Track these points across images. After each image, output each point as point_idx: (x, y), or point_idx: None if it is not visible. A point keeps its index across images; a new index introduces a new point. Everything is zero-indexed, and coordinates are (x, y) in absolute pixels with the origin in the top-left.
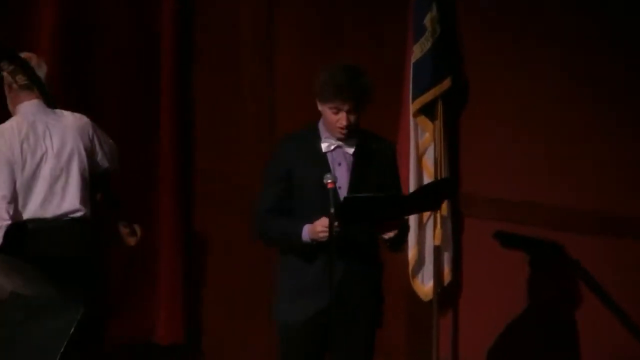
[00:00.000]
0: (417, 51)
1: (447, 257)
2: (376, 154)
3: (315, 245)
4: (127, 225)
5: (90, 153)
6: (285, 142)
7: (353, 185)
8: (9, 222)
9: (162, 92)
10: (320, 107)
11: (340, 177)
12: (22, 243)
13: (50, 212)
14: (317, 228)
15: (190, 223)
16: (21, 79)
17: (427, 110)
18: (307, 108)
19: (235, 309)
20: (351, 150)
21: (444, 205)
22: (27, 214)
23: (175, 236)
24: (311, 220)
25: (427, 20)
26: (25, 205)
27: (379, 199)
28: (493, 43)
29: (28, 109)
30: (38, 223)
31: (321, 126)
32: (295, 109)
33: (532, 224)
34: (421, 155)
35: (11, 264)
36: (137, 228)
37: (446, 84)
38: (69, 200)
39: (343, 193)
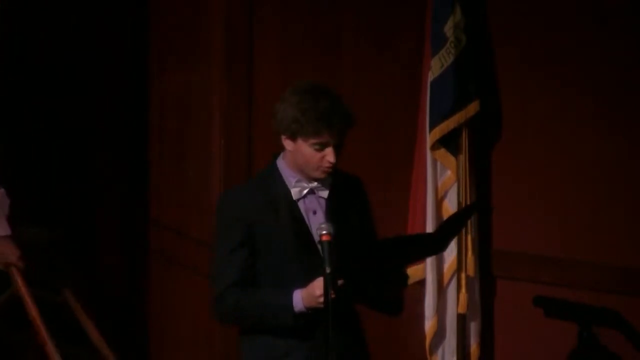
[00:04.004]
0: (435, 66)
1: (474, 328)
2: (350, 195)
3: (312, 316)
4: None
5: None
6: (236, 195)
7: (336, 237)
8: None
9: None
10: (291, 145)
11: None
12: None
13: None
14: (317, 291)
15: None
16: None
17: (448, 142)
18: None
19: None
20: (325, 194)
21: (471, 264)
22: None
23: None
24: (290, 288)
25: (448, 27)
26: None
27: (403, 241)
28: (536, 56)
29: None
30: None
31: (283, 169)
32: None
33: (581, 286)
34: (441, 200)
35: None
36: None
37: (473, 108)
38: None
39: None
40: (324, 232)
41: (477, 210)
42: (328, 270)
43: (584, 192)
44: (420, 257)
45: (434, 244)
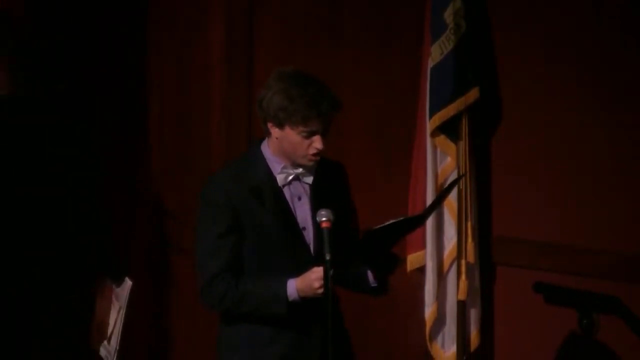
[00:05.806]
0: (435, 53)
1: (474, 315)
2: (332, 181)
3: (304, 305)
4: None
5: None
6: (220, 182)
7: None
8: None
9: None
10: (278, 133)
11: (303, 216)
12: None
13: None
14: (315, 284)
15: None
16: None
17: (448, 129)
18: None
19: None
20: (310, 180)
21: (471, 251)
22: None
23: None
24: (279, 276)
25: (448, 14)
26: None
27: (399, 224)
28: (535, 42)
29: None
30: None
31: (268, 155)
32: None
33: (581, 273)
34: (441, 186)
35: None
36: None
37: (473, 95)
38: None
39: (309, 235)
40: (324, 219)
41: (456, 185)
42: (328, 257)
43: (583, 178)
44: (403, 236)
45: (415, 222)
